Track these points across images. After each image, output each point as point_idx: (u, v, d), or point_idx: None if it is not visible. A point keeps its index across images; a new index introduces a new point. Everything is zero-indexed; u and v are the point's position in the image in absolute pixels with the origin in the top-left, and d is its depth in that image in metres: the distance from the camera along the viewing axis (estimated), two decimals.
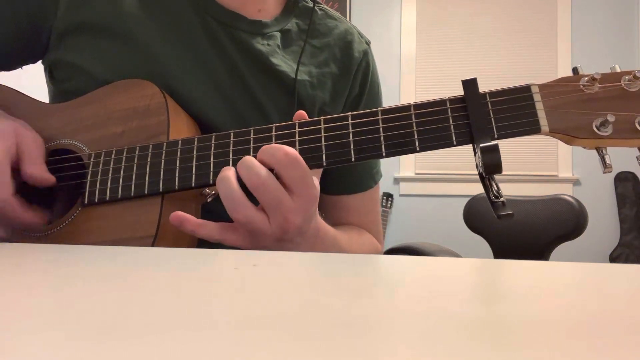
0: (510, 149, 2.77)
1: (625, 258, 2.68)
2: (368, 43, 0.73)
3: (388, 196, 2.91)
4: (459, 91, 0.45)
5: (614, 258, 2.71)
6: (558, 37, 2.89)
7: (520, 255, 1.55)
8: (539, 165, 2.85)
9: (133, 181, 0.49)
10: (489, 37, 2.93)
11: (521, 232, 1.58)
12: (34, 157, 0.50)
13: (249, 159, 0.43)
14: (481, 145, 0.42)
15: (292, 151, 0.43)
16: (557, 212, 1.53)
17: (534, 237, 1.55)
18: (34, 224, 0.49)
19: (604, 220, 2.77)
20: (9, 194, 0.47)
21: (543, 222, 1.55)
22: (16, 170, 0.49)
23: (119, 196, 0.49)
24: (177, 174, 0.48)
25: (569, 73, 0.46)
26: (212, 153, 0.48)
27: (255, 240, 0.45)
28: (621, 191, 2.76)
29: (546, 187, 2.80)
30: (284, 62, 0.63)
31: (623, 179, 2.75)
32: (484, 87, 0.45)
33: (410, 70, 2.98)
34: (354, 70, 0.69)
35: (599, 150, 0.44)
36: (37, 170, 0.49)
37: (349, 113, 0.47)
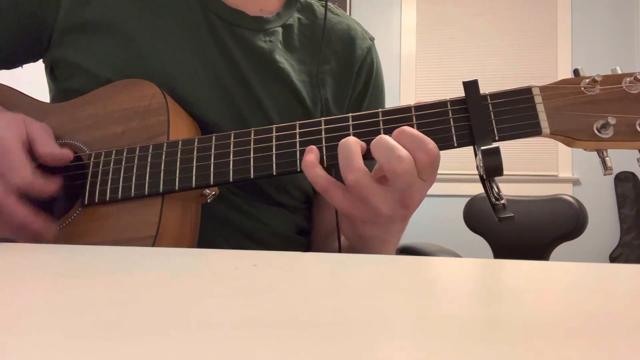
0: (510, 149, 2.76)
1: (625, 258, 2.68)
2: (372, 39, 0.72)
3: None
4: (459, 91, 0.45)
5: (614, 258, 2.71)
6: (558, 37, 2.88)
7: (520, 255, 1.55)
8: (539, 165, 2.85)
9: (133, 182, 0.49)
10: (489, 37, 2.93)
11: (521, 232, 1.58)
12: (46, 139, 0.50)
13: (386, 138, 0.42)
14: (482, 147, 0.42)
15: (436, 148, 0.42)
16: (557, 212, 1.53)
17: (534, 237, 1.55)
18: (54, 193, 0.49)
19: (604, 220, 2.77)
20: (29, 174, 0.47)
21: (543, 222, 1.55)
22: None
23: (119, 196, 0.49)
24: (177, 175, 0.48)
25: (569, 72, 0.46)
26: (212, 154, 0.48)
27: (366, 209, 0.44)
28: (621, 191, 2.76)
29: (546, 187, 2.80)
30: (285, 60, 0.63)
31: (623, 179, 2.75)
32: (484, 86, 0.45)
33: (410, 70, 2.97)
34: (357, 67, 0.68)
35: (599, 152, 0.44)
36: (53, 149, 0.49)
37: (350, 114, 0.47)
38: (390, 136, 0.43)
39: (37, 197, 0.47)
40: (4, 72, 0.64)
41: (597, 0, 2.88)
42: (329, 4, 0.71)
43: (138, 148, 0.50)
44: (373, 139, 0.44)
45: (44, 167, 0.50)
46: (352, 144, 0.43)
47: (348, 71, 0.67)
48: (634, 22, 2.84)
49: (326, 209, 0.71)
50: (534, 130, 0.43)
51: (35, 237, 0.48)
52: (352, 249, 0.53)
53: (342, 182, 0.44)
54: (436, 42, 2.98)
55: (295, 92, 0.62)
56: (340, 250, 0.56)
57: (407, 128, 0.43)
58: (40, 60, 0.64)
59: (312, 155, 0.45)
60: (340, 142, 0.43)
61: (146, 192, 0.48)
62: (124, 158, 0.50)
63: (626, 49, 2.84)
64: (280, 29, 0.64)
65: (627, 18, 2.86)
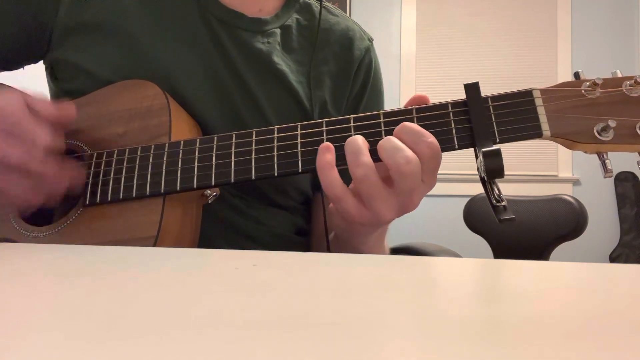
0: (510, 149, 2.76)
1: (625, 258, 2.68)
2: (370, 40, 0.72)
3: None
4: (459, 91, 0.45)
5: (614, 258, 2.71)
6: (558, 37, 2.88)
7: (520, 255, 1.55)
8: (539, 165, 2.85)
9: (135, 182, 0.49)
10: (489, 37, 2.93)
11: (521, 232, 1.57)
12: (45, 102, 0.49)
13: (393, 139, 0.42)
14: (483, 149, 0.42)
15: (436, 141, 0.43)
16: (557, 212, 1.53)
17: (534, 237, 1.55)
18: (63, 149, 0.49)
19: (604, 220, 2.77)
20: (50, 133, 0.47)
21: (543, 222, 1.55)
22: None
23: (121, 197, 0.49)
24: (178, 175, 0.48)
25: (569, 72, 0.46)
26: (213, 154, 0.48)
27: (369, 213, 0.44)
28: (621, 191, 2.76)
29: (546, 187, 2.80)
30: (283, 61, 0.63)
31: (623, 179, 2.75)
32: (483, 86, 0.45)
33: (410, 70, 2.97)
34: (355, 68, 0.68)
35: (599, 155, 0.44)
36: (54, 108, 0.49)
37: (351, 116, 0.47)
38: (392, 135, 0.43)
39: (57, 153, 0.48)
40: (5, 73, 0.64)
41: (597, 0, 2.88)
42: (328, 4, 0.71)
43: (140, 148, 0.50)
44: (374, 140, 0.44)
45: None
46: (360, 141, 0.43)
47: (346, 72, 0.67)
48: (634, 22, 2.84)
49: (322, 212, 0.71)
50: (534, 132, 0.44)
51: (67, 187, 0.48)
52: (339, 239, 0.54)
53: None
54: (436, 42, 2.98)
55: (292, 93, 0.62)
56: (328, 250, 0.56)
57: (407, 123, 0.43)
58: (41, 62, 0.64)
59: (329, 155, 0.44)
60: (348, 139, 0.44)
61: (147, 193, 0.48)
62: (125, 158, 0.50)
63: (626, 49, 2.84)
64: (278, 30, 0.64)
65: (627, 18, 2.86)
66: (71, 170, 0.48)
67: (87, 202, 0.50)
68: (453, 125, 0.45)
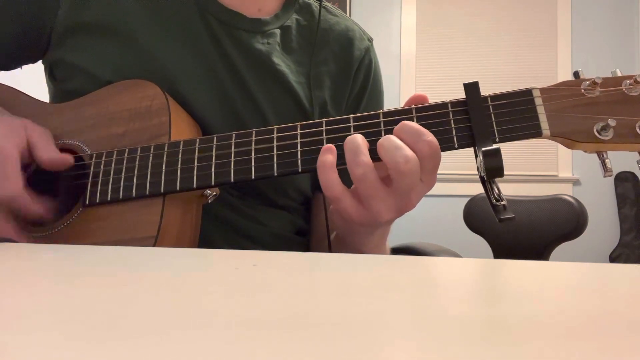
0: (510, 149, 2.76)
1: (625, 258, 2.68)
2: (370, 40, 0.72)
3: None
4: (459, 91, 0.45)
5: (614, 258, 2.71)
6: (558, 37, 2.88)
7: (520, 255, 1.55)
8: (539, 165, 2.85)
9: (134, 182, 0.49)
10: (489, 37, 2.93)
11: (521, 232, 1.57)
12: (47, 144, 0.50)
13: (393, 138, 0.42)
14: (483, 149, 0.42)
15: (435, 140, 0.43)
16: (557, 212, 1.53)
17: (534, 237, 1.55)
18: (44, 217, 0.49)
19: (604, 220, 2.77)
20: (19, 188, 0.47)
21: (543, 222, 1.55)
22: (26, 164, 0.50)
23: (120, 197, 0.49)
24: (178, 175, 0.48)
25: (569, 72, 0.46)
26: (213, 154, 0.48)
27: (368, 213, 0.44)
28: (621, 191, 2.76)
29: (546, 187, 2.80)
30: (282, 62, 0.63)
31: (623, 179, 2.75)
32: (483, 86, 0.45)
33: (410, 70, 2.97)
34: (354, 68, 0.68)
35: (599, 154, 0.44)
36: (54, 154, 0.50)
37: (351, 115, 0.47)
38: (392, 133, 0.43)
39: (18, 213, 0.48)
40: (4, 73, 0.64)
41: (597, 0, 2.88)
42: (328, 4, 0.71)
43: (139, 148, 0.50)
44: (374, 140, 0.44)
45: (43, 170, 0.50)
46: (359, 140, 0.43)
47: (346, 72, 0.67)
48: (634, 22, 2.84)
49: (323, 212, 0.71)
50: (534, 132, 0.44)
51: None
52: (340, 240, 0.54)
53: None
54: (436, 42, 2.98)
55: (292, 94, 0.62)
56: (330, 250, 0.56)
57: (407, 122, 0.44)
58: (40, 62, 0.64)
59: (330, 156, 0.44)
60: (348, 138, 0.44)
61: (147, 193, 0.48)
62: (125, 158, 0.50)
63: (626, 49, 2.84)
64: (278, 31, 0.64)
65: (627, 18, 2.86)
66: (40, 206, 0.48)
67: (87, 202, 0.50)
68: (453, 125, 0.45)
